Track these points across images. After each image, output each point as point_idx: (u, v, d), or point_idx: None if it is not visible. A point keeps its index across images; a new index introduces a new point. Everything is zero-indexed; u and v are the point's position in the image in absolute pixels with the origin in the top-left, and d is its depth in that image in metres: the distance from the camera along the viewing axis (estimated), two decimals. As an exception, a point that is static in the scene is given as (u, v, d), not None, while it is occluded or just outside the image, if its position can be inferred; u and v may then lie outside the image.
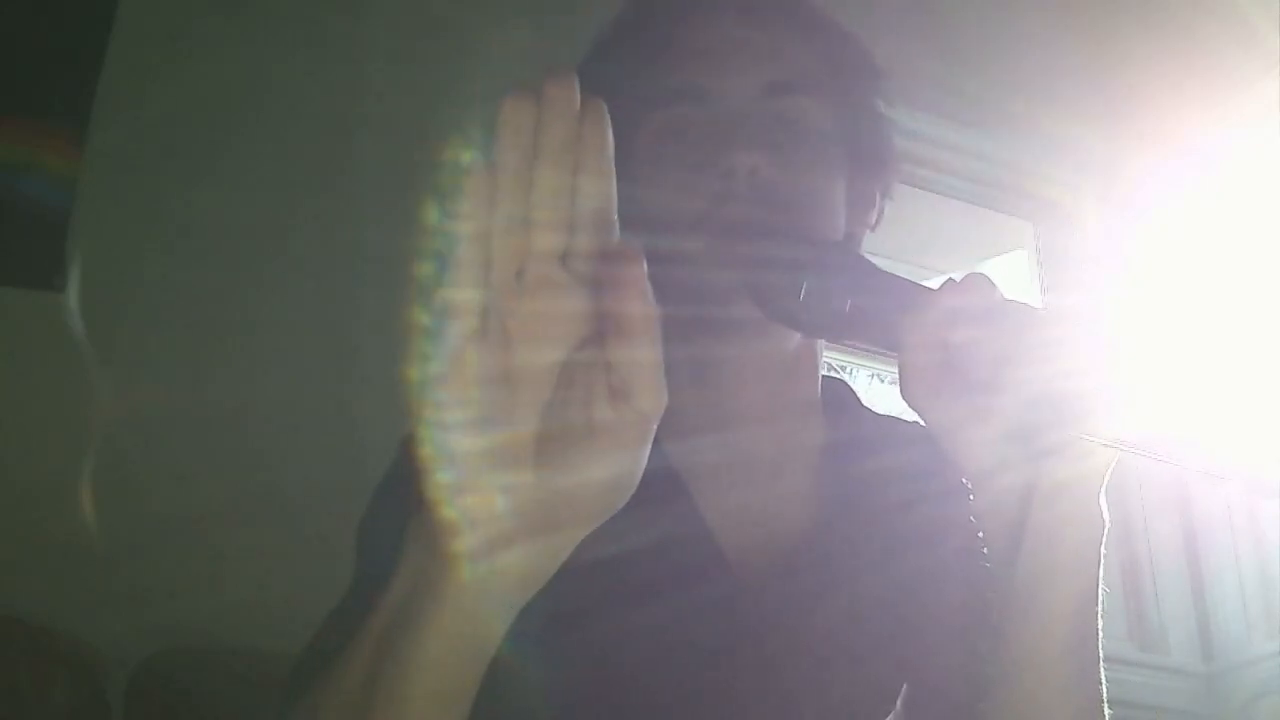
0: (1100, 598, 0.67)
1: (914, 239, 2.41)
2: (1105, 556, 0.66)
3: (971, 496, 0.69)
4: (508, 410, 0.46)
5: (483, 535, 0.47)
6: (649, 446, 0.49)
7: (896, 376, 0.66)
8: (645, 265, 0.46)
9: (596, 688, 0.74)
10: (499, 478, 0.47)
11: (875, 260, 0.72)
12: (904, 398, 0.66)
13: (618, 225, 0.47)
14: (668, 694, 0.76)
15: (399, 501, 0.53)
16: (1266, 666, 2.06)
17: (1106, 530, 0.66)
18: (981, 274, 0.65)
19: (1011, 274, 2.50)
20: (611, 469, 0.48)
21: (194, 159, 1.54)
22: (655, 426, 0.48)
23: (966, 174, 2.31)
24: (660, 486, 0.79)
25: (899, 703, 0.83)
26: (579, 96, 0.45)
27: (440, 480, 0.47)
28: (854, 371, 2.21)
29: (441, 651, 0.50)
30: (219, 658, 1.25)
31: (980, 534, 0.70)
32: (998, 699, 0.68)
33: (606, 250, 0.46)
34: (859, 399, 0.91)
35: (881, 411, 0.92)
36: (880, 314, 0.67)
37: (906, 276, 0.69)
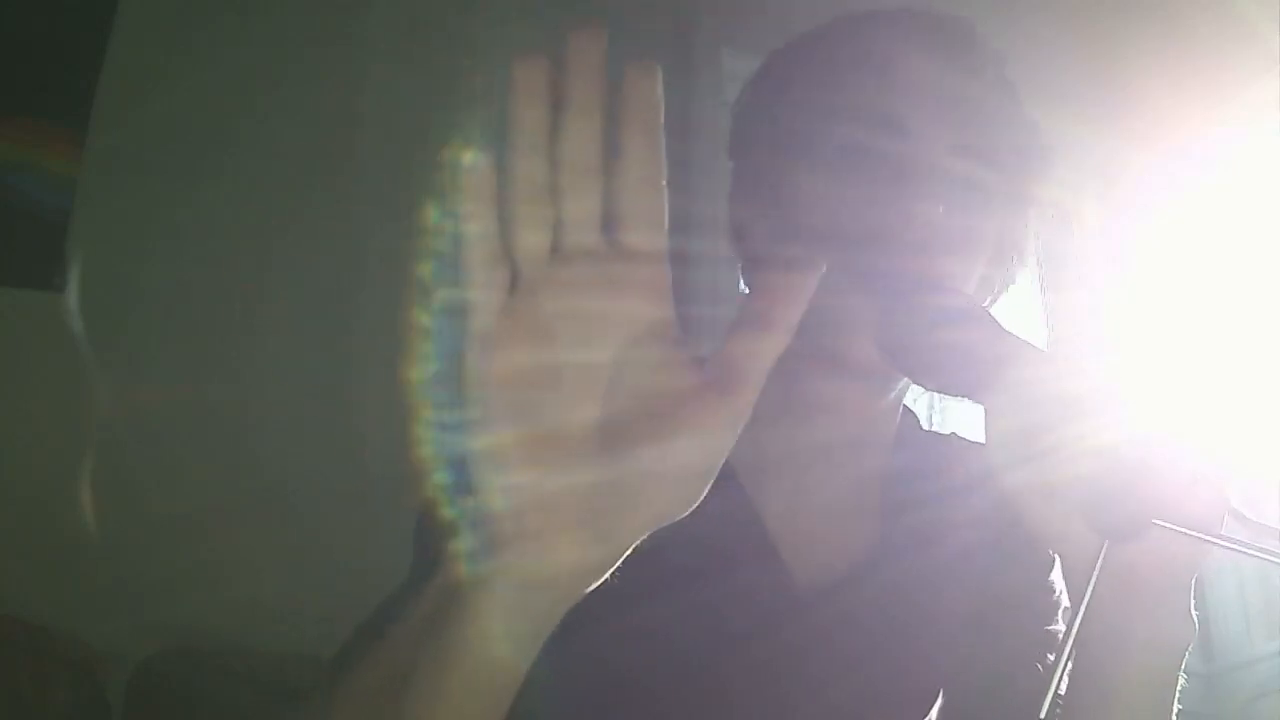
0: (1176, 694, 0.63)
1: (914, 239, 2.41)
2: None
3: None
4: (554, 406, 0.43)
5: (533, 539, 0.43)
6: (731, 444, 0.45)
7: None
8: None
9: (646, 695, 0.75)
10: (552, 478, 0.43)
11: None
12: (986, 456, 0.63)
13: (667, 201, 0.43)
14: (720, 708, 0.76)
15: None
16: (1266, 666, 2.06)
17: (1190, 641, 0.61)
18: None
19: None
20: (689, 465, 0.44)
21: (194, 159, 1.54)
22: (742, 424, 0.44)
23: (966, 174, 2.30)
24: (733, 514, 0.79)
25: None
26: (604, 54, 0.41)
27: (486, 484, 0.43)
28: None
29: (482, 659, 0.46)
30: (219, 658, 1.25)
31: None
32: None
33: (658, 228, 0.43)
34: (919, 421, 0.91)
35: (943, 432, 0.92)
36: (978, 364, 0.63)
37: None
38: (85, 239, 1.46)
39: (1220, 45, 1.97)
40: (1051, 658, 0.83)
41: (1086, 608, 0.57)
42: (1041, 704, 0.60)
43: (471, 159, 0.43)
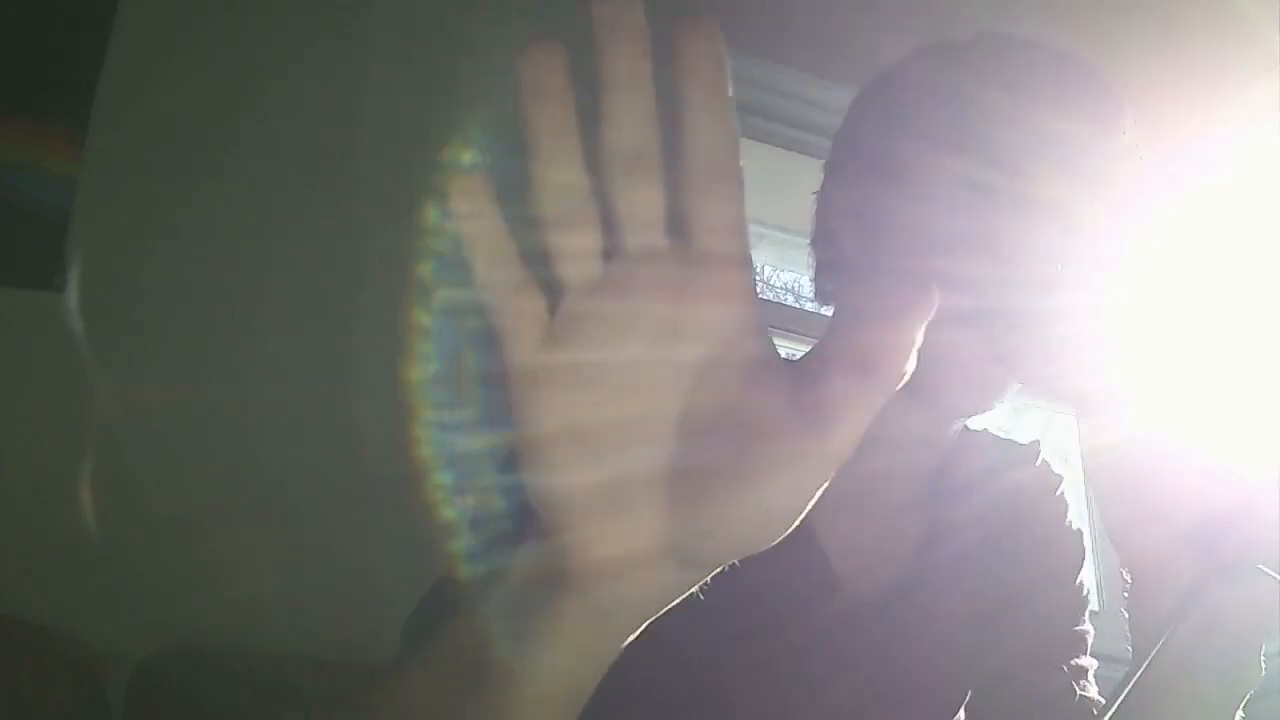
0: None
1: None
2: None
3: (1126, 592, 0.65)
4: (621, 422, 0.38)
5: (607, 563, 0.39)
6: (823, 486, 0.39)
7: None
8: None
9: (690, 701, 0.75)
10: (621, 518, 0.39)
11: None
12: (1085, 477, 0.63)
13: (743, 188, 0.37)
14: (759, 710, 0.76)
15: None
16: (1267, 666, 2.05)
17: (1255, 686, 0.60)
18: None
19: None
20: (775, 501, 0.39)
21: (194, 159, 1.54)
22: (837, 467, 0.38)
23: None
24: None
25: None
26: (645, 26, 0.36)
27: (552, 516, 0.39)
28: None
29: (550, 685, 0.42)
30: (219, 658, 1.25)
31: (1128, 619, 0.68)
32: None
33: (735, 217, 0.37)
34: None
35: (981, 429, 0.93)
36: (1089, 378, 0.64)
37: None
38: (85, 239, 1.46)
39: (1220, 45, 1.97)
40: (1077, 659, 0.83)
41: (1169, 635, 0.56)
42: (1061, 703, 0.59)
43: (472, 164, 0.40)
